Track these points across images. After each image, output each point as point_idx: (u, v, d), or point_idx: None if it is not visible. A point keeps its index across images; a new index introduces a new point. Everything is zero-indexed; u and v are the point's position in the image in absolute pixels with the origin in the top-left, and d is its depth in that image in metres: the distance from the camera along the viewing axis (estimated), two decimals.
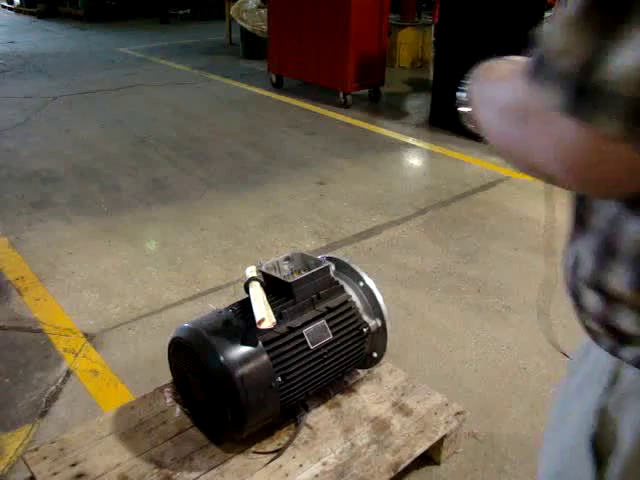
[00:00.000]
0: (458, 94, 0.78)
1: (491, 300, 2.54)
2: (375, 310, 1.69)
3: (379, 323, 1.68)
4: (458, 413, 1.69)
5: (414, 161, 4.41)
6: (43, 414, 1.92)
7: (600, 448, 0.64)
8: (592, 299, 0.62)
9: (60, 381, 2.06)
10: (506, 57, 0.68)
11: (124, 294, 2.58)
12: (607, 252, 0.58)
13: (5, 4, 12.32)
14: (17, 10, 11.84)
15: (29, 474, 1.52)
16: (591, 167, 0.47)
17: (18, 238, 3.03)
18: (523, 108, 0.52)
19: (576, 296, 0.66)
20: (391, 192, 3.63)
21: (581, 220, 0.63)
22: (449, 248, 2.97)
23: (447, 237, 3.08)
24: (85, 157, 4.18)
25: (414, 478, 1.69)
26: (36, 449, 1.56)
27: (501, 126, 0.59)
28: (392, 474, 1.51)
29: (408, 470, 1.60)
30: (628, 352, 0.59)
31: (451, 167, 4.04)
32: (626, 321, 0.58)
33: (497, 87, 0.61)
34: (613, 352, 0.62)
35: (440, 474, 1.72)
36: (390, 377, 1.81)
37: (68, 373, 2.10)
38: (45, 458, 1.52)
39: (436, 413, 1.68)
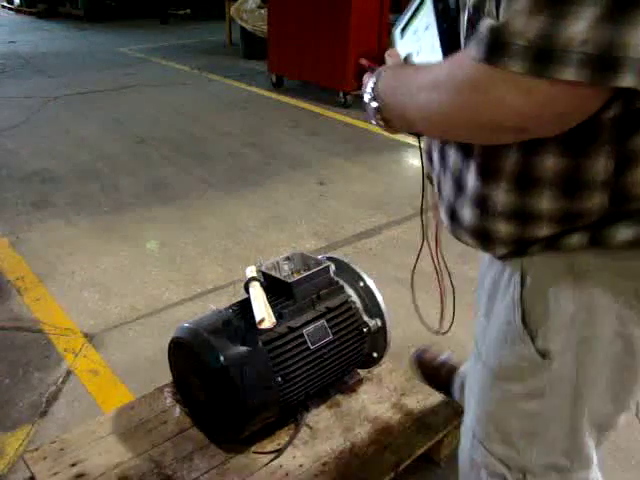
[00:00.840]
0: (366, 95, 0.89)
1: None
2: (375, 310, 1.68)
3: (379, 323, 1.68)
4: (458, 413, 1.69)
5: (414, 161, 4.40)
6: (43, 414, 1.92)
7: (529, 325, 0.85)
8: (507, 226, 0.80)
9: (60, 381, 2.06)
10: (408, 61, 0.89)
11: (124, 294, 2.58)
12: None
13: (5, 4, 12.32)
14: (17, 10, 11.84)
15: (29, 474, 1.52)
16: (556, 106, 0.64)
17: (18, 238, 3.03)
18: (476, 83, 0.66)
19: (485, 233, 0.83)
20: (391, 192, 3.63)
21: (468, 151, 0.80)
22: (449, 248, 2.97)
23: (447, 237, 3.08)
24: (85, 157, 4.18)
25: (414, 478, 1.69)
26: (36, 449, 1.56)
27: (448, 101, 0.71)
28: (392, 474, 1.51)
29: (408, 470, 1.60)
30: (536, 247, 0.80)
31: None
32: (543, 230, 0.77)
33: (438, 74, 0.74)
34: (520, 254, 0.82)
35: (440, 474, 1.72)
36: (390, 377, 1.81)
37: (68, 373, 2.10)
38: (45, 458, 1.52)
39: (436, 413, 1.68)
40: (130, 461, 1.52)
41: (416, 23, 0.94)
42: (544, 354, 0.85)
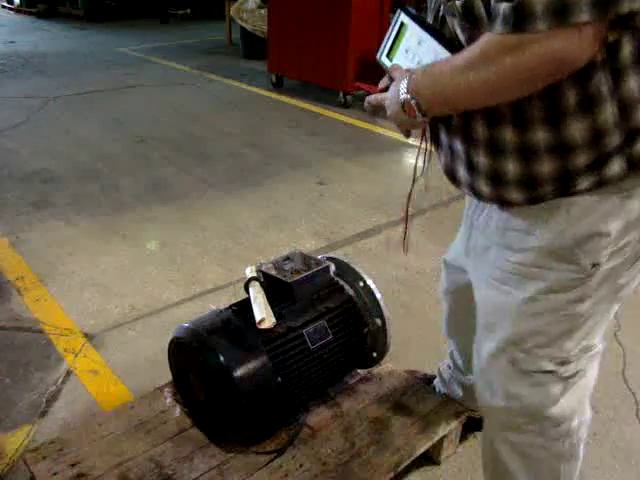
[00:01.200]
0: (403, 96, 1.01)
1: None
2: (375, 310, 1.68)
3: (379, 323, 1.68)
4: (458, 413, 1.69)
5: (414, 161, 4.42)
6: (43, 414, 1.92)
7: (578, 247, 1.03)
8: (550, 163, 0.97)
9: (60, 381, 2.06)
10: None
11: (124, 294, 2.58)
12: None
13: (5, 4, 12.32)
14: (17, 10, 11.84)
15: (29, 474, 1.52)
16: (582, 42, 0.82)
17: (18, 238, 3.03)
18: (513, 48, 0.85)
19: (532, 177, 0.99)
20: (391, 192, 3.63)
21: (498, 118, 0.98)
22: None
23: (447, 237, 3.08)
24: (85, 157, 4.18)
25: (414, 478, 1.69)
26: (36, 449, 1.56)
27: (492, 71, 0.88)
28: (392, 474, 1.51)
29: (408, 470, 1.60)
30: (585, 182, 0.97)
31: None
32: (581, 158, 0.96)
33: (470, 57, 0.91)
34: (565, 192, 0.99)
35: (440, 474, 1.72)
36: (390, 377, 1.81)
37: (68, 373, 2.10)
38: (45, 458, 1.52)
39: (436, 413, 1.68)
40: (130, 461, 1.52)
41: (404, 44, 1.12)
42: (593, 266, 1.04)
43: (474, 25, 0.96)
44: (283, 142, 4.54)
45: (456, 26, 1.03)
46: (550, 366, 1.14)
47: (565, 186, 0.99)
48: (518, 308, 1.12)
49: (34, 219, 3.24)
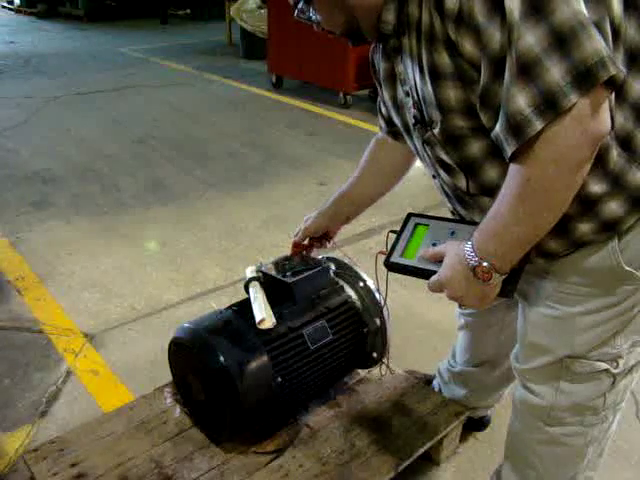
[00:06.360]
0: (473, 262, 0.98)
1: None
2: (375, 310, 1.68)
3: (379, 323, 1.67)
4: (458, 413, 1.69)
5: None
6: (43, 414, 1.92)
7: (632, 265, 1.06)
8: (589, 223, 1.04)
9: (60, 381, 2.06)
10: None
11: (124, 294, 2.58)
12: None
13: (5, 4, 12.33)
14: (17, 10, 11.84)
15: (29, 474, 1.52)
16: (593, 110, 0.83)
17: (18, 238, 3.03)
18: (542, 157, 0.86)
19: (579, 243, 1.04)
20: (391, 192, 3.62)
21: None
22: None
23: None
24: (85, 157, 4.18)
25: (414, 478, 1.69)
26: (36, 449, 1.56)
27: (546, 185, 0.88)
28: (392, 474, 1.51)
29: (408, 470, 1.60)
30: (630, 224, 1.04)
31: None
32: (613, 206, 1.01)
33: (513, 195, 0.91)
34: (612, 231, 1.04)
35: (440, 474, 1.72)
36: (390, 377, 1.81)
37: (68, 373, 2.10)
38: (45, 458, 1.52)
39: (436, 413, 1.68)
40: (130, 461, 1.52)
41: (428, 240, 1.16)
42: None
43: (461, 145, 1.01)
44: (283, 142, 4.54)
45: (440, 153, 1.07)
46: (603, 365, 1.16)
47: (613, 232, 1.03)
48: (577, 323, 1.14)
49: (34, 219, 3.24)
